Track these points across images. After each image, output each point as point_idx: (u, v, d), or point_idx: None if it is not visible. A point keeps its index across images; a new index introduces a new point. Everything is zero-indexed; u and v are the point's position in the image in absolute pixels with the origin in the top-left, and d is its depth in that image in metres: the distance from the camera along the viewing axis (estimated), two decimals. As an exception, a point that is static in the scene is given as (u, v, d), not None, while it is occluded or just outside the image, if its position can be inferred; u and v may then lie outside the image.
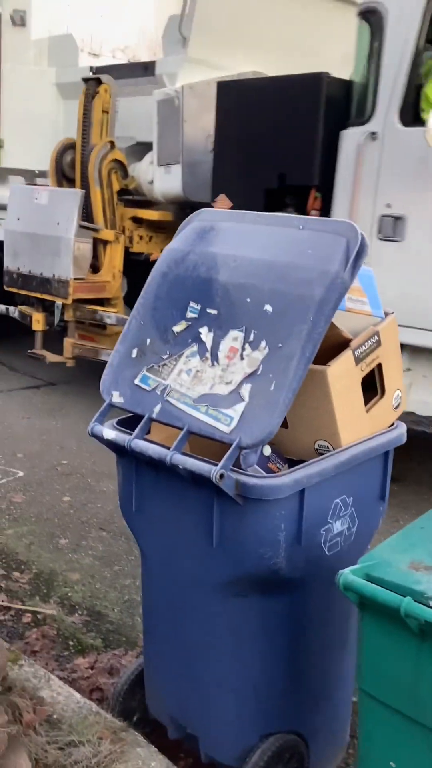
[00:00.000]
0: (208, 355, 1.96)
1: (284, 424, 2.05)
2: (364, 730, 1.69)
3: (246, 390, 1.86)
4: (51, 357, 5.86)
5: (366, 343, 2.11)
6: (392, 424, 2.26)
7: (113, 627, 3.10)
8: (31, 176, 6.51)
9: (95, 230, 5.59)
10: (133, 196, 5.85)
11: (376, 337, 2.15)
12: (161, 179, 5.43)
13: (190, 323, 2.03)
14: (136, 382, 2.05)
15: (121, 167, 5.68)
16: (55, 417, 5.77)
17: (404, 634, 1.53)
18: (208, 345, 1.97)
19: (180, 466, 1.87)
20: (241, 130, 4.76)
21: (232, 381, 1.89)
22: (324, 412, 2.04)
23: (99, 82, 5.56)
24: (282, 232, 2.05)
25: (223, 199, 4.76)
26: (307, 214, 4.40)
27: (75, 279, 5.41)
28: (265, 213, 2.19)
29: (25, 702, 2.29)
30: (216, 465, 1.81)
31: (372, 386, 2.22)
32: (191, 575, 2.04)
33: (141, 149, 5.79)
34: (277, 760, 2.07)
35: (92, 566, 3.56)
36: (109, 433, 2.04)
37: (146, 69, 5.87)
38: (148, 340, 2.09)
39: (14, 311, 6.31)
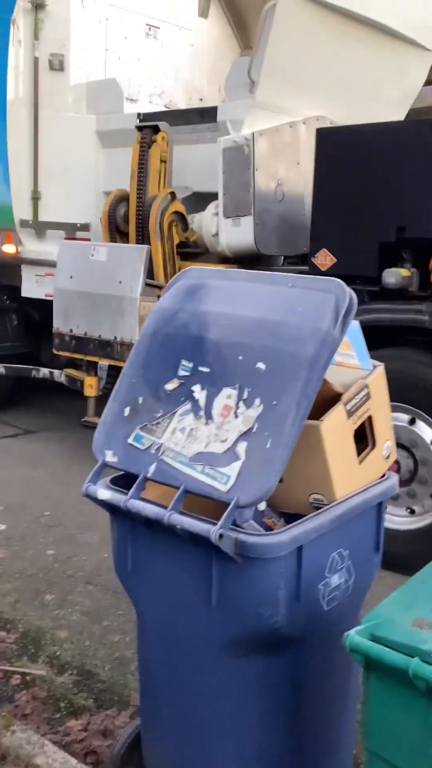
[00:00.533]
0: (202, 413, 1.97)
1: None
2: (373, 792, 1.67)
3: (242, 448, 1.86)
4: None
5: (356, 397, 2.14)
6: (383, 475, 2.28)
7: (105, 686, 3.04)
8: (71, 230, 6.07)
9: (160, 287, 5.10)
10: (191, 249, 5.47)
11: (366, 390, 2.17)
12: (229, 232, 5.04)
13: (182, 381, 2.04)
14: (130, 441, 2.05)
15: (182, 219, 5.30)
16: (36, 466, 5.72)
17: (412, 694, 1.52)
18: (202, 403, 1.98)
19: (178, 526, 1.86)
20: (347, 179, 4.38)
21: (227, 439, 1.89)
22: (318, 466, 2.05)
23: (156, 129, 5.23)
24: (272, 289, 2.08)
25: (324, 255, 4.38)
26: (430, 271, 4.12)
27: None
28: (253, 271, 2.23)
29: (21, 771, 2.23)
30: (213, 523, 1.81)
31: (363, 438, 2.24)
32: (190, 635, 2.01)
33: (197, 199, 5.46)
34: None
35: (80, 622, 3.50)
36: (104, 493, 2.03)
37: (203, 115, 5.50)
38: (141, 399, 2.09)
39: (60, 375, 5.93)
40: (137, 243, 5.25)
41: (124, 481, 2.08)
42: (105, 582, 3.84)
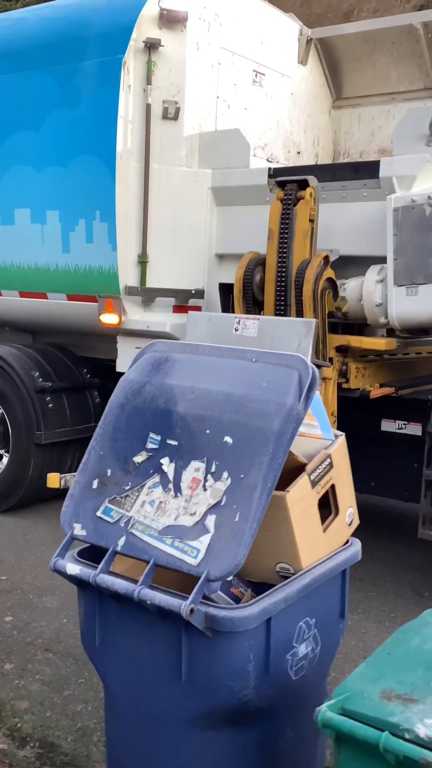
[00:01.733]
0: (170, 485, 2.01)
1: None
2: None
3: (211, 521, 1.90)
4: None
5: (320, 467, 2.20)
6: (347, 541, 2.33)
7: (68, 758, 2.97)
8: (183, 297, 5.30)
9: (326, 367, 4.35)
10: (339, 319, 4.75)
11: (329, 460, 2.24)
12: (401, 302, 4.34)
13: (150, 454, 2.08)
14: (99, 514, 2.07)
15: (333, 287, 4.55)
16: (-8, 529, 5.62)
17: (382, 766, 1.55)
18: (171, 476, 2.02)
19: (148, 602, 1.88)
20: None
21: (196, 512, 1.93)
22: (284, 535, 2.09)
23: (304, 185, 4.47)
24: (236, 364, 2.15)
25: None
26: None
27: None
28: (216, 345, 2.30)
29: None
30: (183, 597, 1.83)
31: (325, 505, 2.30)
32: (159, 710, 2.02)
33: (342, 264, 4.74)
34: None
35: (41, 692, 3.43)
36: (73, 568, 2.04)
37: (357, 170, 4.79)
38: (109, 471, 2.12)
39: None
40: (278, 314, 4.51)
41: (92, 552, 2.09)
42: (65, 649, 3.77)
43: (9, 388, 5.80)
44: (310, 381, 2.00)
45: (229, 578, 2.15)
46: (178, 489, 1.99)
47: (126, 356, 5.41)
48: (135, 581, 1.93)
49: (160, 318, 5.22)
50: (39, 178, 5.46)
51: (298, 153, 6.16)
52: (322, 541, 2.21)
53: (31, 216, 5.57)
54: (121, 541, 1.99)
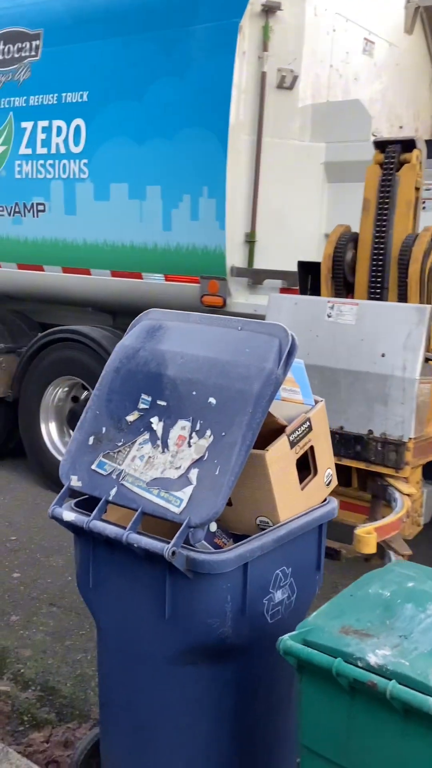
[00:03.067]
0: (159, 442, 2.18)
1: (228, 503, 2.24)
2: (306, 783, 1.87)
3: (194, 474, 2.07)
4: (351, 551, 3.56)
5: (299, 429, 2.37)
6: (325, 500, 2.50)
7: (66, 701, 3.20)
8: (293, 279, 4.67)
9: None
10: None
11: (308, 423, 2.41)
12: None
13: (142, 413, 2.26)
14: (93, 467, 2.25)
15: None
16: (3, 492, 5.85)
17: (337, 691, 1.73)
18: (159, 433, 2.19)
19: (135, 545, 2.06)
20: None
21: (181, 466, 2.10)
22: (264, 491, 2.27)
23: (409, 146, 3.86)
24: (223, 332, 2.31)
25: None
26: None
27: (415, 439, 3.54)
28: (207, 314, 2.46)
29: (-15, 776, 2.39)
30: (168, 543, 2.01)
31: (305, 466, 2.47)
32: (144, 647, 2.20)
33: None
34: None
35: (44, 642, 3.66)
36: (69, 515, 2.22)
37: None
38: (104, 429, 2.30)
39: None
40: (372, 298, 3.94)
41: (87, 504, 2.27)
42: (68, 604, 4.00)
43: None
44: (289, 347, 2.16)
45: (213, 530, 2.35)
46: (165, 445, 2.17)
47: None
48: (124, 528, 2.11)
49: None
50: (139, 151, 5.16)
51: (401, 127, 5.87)
52: (299, 498, 2.38)
53: (129, 191, 5.27)
54: (113, 492, 2.17)
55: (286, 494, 2.31)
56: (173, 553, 1.98)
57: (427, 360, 3.53)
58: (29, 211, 5.88)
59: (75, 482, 2.26)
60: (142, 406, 2.27)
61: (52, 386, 5.90)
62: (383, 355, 3.56)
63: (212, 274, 4.99)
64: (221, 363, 2.20)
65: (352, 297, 4.00)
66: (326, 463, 2.52)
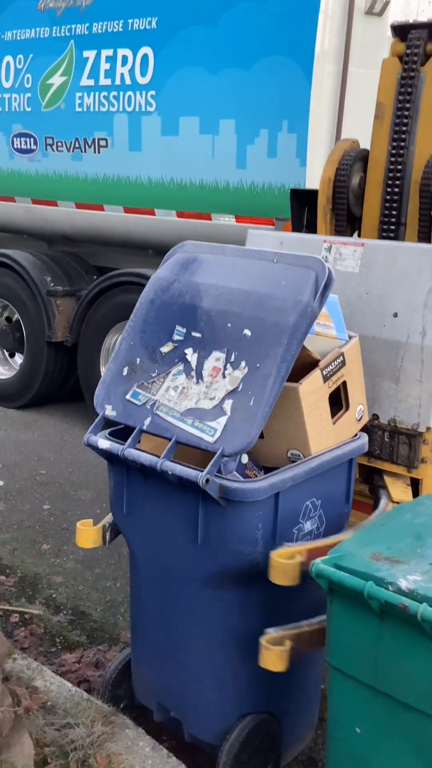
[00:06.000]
0: (193, 373, 2.21)
1: (260, 435, 2.28)
2: (333, 701, 1.94)
3: (228, 405, 2.10)
4: None
5: (332, 363, 2.37)
6: (355, 435, 2.53)
7: (97, 625, 3.31)
8: None
9: None
10: None
11: (342, 358, 2.41)
12: None
13: (176, 345, 2.28)
14: (128, 397, 2.28)
15: None
16: (32, 429, 5.95)
17: (367, 614, 1.78)
18: (193, 364, 2.21)
19: (169, 473, 2.10)
20: None
21: (215, 397, 2.13)
22: (296, 424, 2.29)
23: None
24: (258, 264, 2.30)
25: None
26: None
27: None
28: (243, 247, 2.44)
29: (22, 690, 2.49)
30: (201, 471, 2.05)
31: (338, 401, 2.48)
32: (177, 571, 2.27)
33: None
34: (254, 737, 2.30)
35: (74, 569, 3.76)
36: (104, 443, 2.27)
37: None
38: (138, 360, 2.32)
39: None
40: (384, 237, 3.09)
41: (121, 434, 2.31)
42: (98, 535, 4.09)
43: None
44: (326, 280, 2.15)
45: (245, 462, 2.39)
46: (200, 376, 2.19)
47: None
48: (158, 456, 2.15)
49: None
50: (212, 81, 4.81)
51: None
52: (330, 432, 2.40)
53: (200, 126, 4.93)
54: (147, 421, 2.21)
55: (318, 428, 2.33)
56: (207, 480, 2.02)
57: None
58: (90, 147, 5.60)
59: (109, 411, 2.30)
60: (176, 337, 2.29)
61: (114, 331, 5.74)
62: (396, 315, 2.70)
63: (289, 215, 4.72)
64: (257, 295, 2.20)
65: (359, 236, 3.21)
66: (358, 398, 2.53)
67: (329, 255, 2.87)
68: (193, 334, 2.26)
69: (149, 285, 2.44)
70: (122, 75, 5.28)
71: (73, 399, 6.49)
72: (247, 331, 2.16)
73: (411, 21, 3.18)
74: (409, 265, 2.68)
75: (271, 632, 2.11)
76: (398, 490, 2.72)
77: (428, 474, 2.71)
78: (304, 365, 2.31)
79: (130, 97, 5.26)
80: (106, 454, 2.30)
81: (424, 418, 2.64)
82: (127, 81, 5.25)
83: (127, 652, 2.65)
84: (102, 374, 5.75)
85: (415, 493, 2.76)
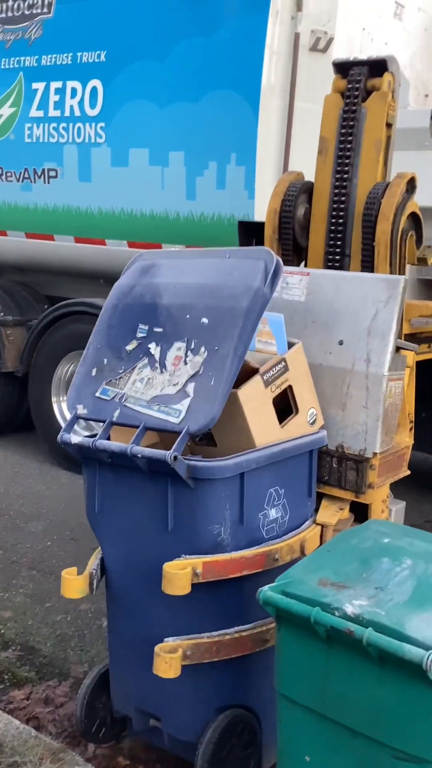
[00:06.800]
0: (157, 365, 2.32)
1: (213, 444, 2.44)
2: (282, 730, 1.93)
3: (191, 387, 2.21)
4: None
5: (273, 369, 2.45)
6: (316, 431, 2.59)
7: (46, 660, 3.24)
8: None
9: (412, 351, 2.85)
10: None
11: (283, 363, 2.49)
12: None
13: (140, 341, 2.39)
14: (97, 394, 2.38)
15: (417, 227, 3.11)
16: (-19, 462, 5.85)
17: (314, 640, 1.78)
18: (157, 357, 2.33)
19: (139, 455, 2.17)
20: None
21: (178, 382, 2.24)
22: (240, 429, 2.36)
23: (379, 68, 3.03)
24: (212, 261, 2.46)
25: None
26: None
27: (381, 454, 2.71)
28: (197, 249, 2.62)
29: (-33, 729, 2.42)
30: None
31: (288, 408, 2.54)
32: (149, 561, 2.29)
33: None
34: (231, 733, 2.31)
35: (24, 604, 3.69)
36: (76, 438, 2.34)
37: None
38: (105, 360, 2.43)
39: None
40: (329, 267, 3.11)
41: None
42: (48, 568, 4.03)
43: None
44: (274, 267, 2.30)
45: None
46: (163, 366, 2.30)
47: None
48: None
49: None
50: (162, 114, 4.90)
51: (426, 96, 5.68)
52: (280, 436, 2.44)
53: (150, 157, 5.00)
54: (116, 413, 2.29)
55: (264, 431, 2.39)
56: (175, 458, 2.09)
57: (398, 350, 2.71)
58: (39, 177, 5.62)
59: (81, 410, 2.38)
60: (140, 335, 2.40)
61: (65, 361, 5.73)
62: (341, 343, 2.73)
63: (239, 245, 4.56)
64: (212, 287, 2.35)
65: (305, 266, 3.19)
66: (308, 402, 2.59)
67: (286, 285, 2.91)
68: (155, 329, 2.38)
69: (112, 292, 2.57)
70: (71, 107, 5.34)
71: (24, 430, 6.39)
72: (204, 320, 2.28)
73: (352, 58, 3.23)
74: (354, 294, 2.74)
75: (169, 641, 2.18)
76: (327, 514, 2.70)
77: (375, 499, 2.73)
78: (246, 375, 2.38)
79: (79, 128, 5.33)
80: (79, 450, 2.36)
81: (371, 444, 2.68)
82: (77, 113, 5.32)
83: (102, 665, 2.62)
84: (53, 405, 5.82)
85: (365, 517, 2.78)
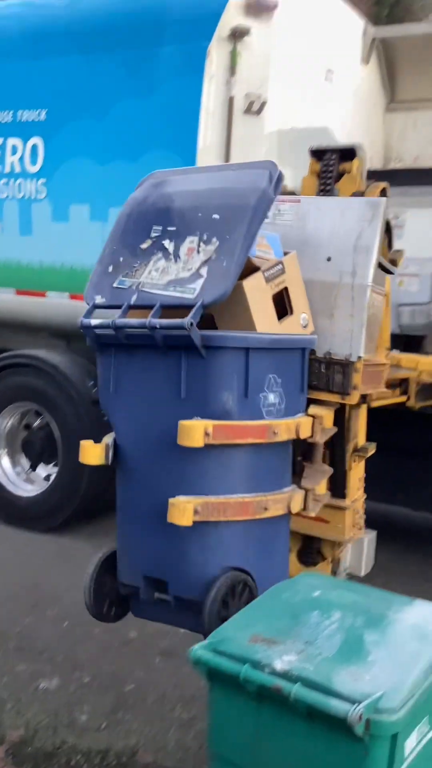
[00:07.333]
0: (171, 256, 2.58)
1: None
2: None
3: (204, 270, 2.48)
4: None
5: (273, 268, 2.75)
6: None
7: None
8: None
9: (393, 273, 3.39)
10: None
11: (281, 266, 2.79)
12: None
13: (154, 240, 2.65)
14: (115, 285, 2.63)
15: (388, 232, 3.53)
16: None
17: (246, 698, 1.82)
18: (171, 250, 2.59)
19: (157, 326, 2.42)
20: None
21: (192, 268, 2.50)
22: (245, 317, 2.62)
23: (349, 155, 3.44)
24: (221, 173, 2.79)
25: None
26: None
27: (365, 360, 3.10)
28: (205, 166, 3.00)
29: None
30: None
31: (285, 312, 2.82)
32: (163, 430, 2.53)
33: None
34: (233, 591, 2.52)
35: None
36: (95, 321, 2.58)
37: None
38: (121, 258, 2.69)
39: None
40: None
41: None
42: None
43: (63, 399, 5.24)
44: (278, 174, 2.62)
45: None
46: (177, 257, 2.56)
47: None
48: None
49: None
50: (101, 172, 5.04)
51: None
52: (278, 330, 2.73)
53: (91, 213, 5.12)
54: (134, 298, 2.55)
55: (264, 322, 2.66)
56: (191, 324, 2.34)
57: (380, 266, 3.11)
58: None
59: (99, 300, 2.63)
60: (154, 234, 2.66)
61: (6, 413, 5.59)
62: (329, 259, 3.08)
63: None
64: (221, 190, 2.64)
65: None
66: (301, 307, 2.89)
67: (282, 211, 3.27)
68: (169, 228, 2.64)
69: (126, 204, 2.85)
70: (12, 163, 5.45)
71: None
72: (216, 216, 2.56)
73: (325, 145, 3.63)
74: (340, 216, 3.12)
75: (181, 498, 2.46)
76: (317, 409, 2.97)
77: (355, 399, 3.06)
78: (249, 273, 2.65)
79: (20, 184, 5.43)
80: (97, 338, 2.62)
81: (356, 348, 3.02)
82: (17, 169, 5.43)
83: (100, 553, 2.82)
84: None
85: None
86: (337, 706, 1.69)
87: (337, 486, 3.16)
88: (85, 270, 4.96)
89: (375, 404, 3.33)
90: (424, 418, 4.11)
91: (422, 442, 4.41)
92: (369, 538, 3.46)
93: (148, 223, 2.67)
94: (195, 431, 2.37)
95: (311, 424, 2.81)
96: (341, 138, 5.28)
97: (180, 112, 4.70)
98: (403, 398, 3.78)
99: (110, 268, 2.66)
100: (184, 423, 2.38)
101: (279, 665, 1.80)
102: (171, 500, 2.40)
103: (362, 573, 3.56)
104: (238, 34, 4.67)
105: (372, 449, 3.32)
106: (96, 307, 2.60)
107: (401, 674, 1.78)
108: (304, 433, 2.75)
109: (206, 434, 2.39)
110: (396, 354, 3.78)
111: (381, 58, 5.95)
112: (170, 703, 3.09)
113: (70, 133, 5.15)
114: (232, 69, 4.72)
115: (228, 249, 2.45)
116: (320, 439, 2.89)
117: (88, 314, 2.59)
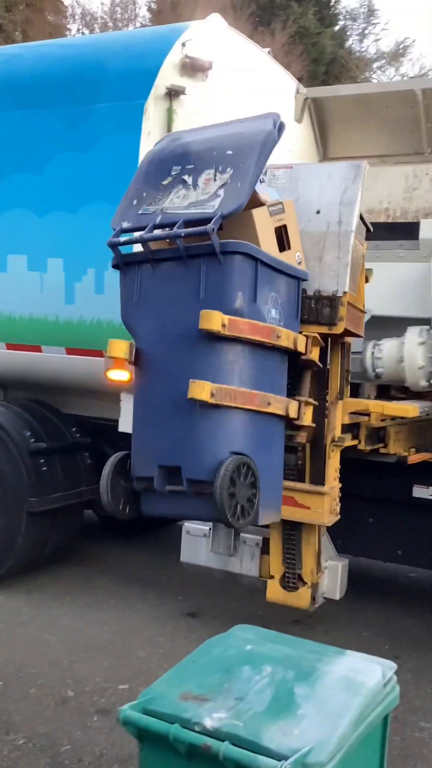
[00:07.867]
0: (191, 186, 3.02)
1: None
2: None
3: (221, 191, 2.92)
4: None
5: (275, 206, 3.26)
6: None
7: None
8: None
9: (370, 230, 3.92)
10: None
11: (281, 205, 3.30)
12: None
13: (174, 176, 3.09)
14: (139, 212, 3.05)
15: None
16: None
17: (176, 757, 1.80)
18: (190, 182, 3.04)
19: (182, 233, 2.85)
20: None
21: (210, 192, 2.94)
22: (254, 242, 3.03)
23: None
24: (230, 125, 3.27)
25: None
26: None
27: (349, 296, 3.63)
28: (218, 124, 3.38)
29: None
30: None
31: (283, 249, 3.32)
32: (182, 328, 2.93)
33: (377, 325, 4.44)
34: (240, 471, 2.86)
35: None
36: (124, 237, 3.03)
37: (394, 230, 4.75)
38: (144, 194, 3.13)
39: None
40: None
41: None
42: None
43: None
44: (281, 122, 3.12)
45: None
46: (196, 186, 3.00)
47: (131, 416, 4.04)
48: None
49: None
50: (40, 223, 5.07)
51: (318, 212, 5.91)
52: (279, 257, 3.21)
53: (29, 263, 5.15)
54: (158, 219, 2.96)
55: (269, 248, 3.10)
56: (213, 229, 2.77)
57: (361, 218, 3.69)
58: None
59: (126, 224, 3.05)
60: (173, 173, 3.11)
61: None
62: (318, 212, 3.66)
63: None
64: (232, 134, 3.13)
65: None
66: (296, 245, 3.38)
67: (265, 177, 3.73)
68: (187, 167, 3.09)
69: (145, 156, 3.33)
70: None
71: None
72: (229, 151, 3.03)
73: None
74: (328, 176, 3.72)
75: (198, 381, 2.80)
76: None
77: (340, 329, 3.54)
78: (255, 207, 3.14)
79: None
80: (122, 257, 3.09)
81: (341, 284, 3.56)
82: None
83: (114, 457, 3.16)
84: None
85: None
86: (265, 763, 1.70)
87: (317, 474, 3.66)
88: (24, 319, 5.22)
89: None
90: (379, 466, 4.39)
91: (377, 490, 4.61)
92: (343, 564, 3.89)
93: (168, 165, 3.13)
94: (215, 317, 2.77)
95: (305, 341, 3.31)
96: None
97: (117, 167, 4.74)
98: (354, 442, 4.03)
99: (135, 202, 3.09)
100: (205, 310, 2.78)
101: (209, 723, 1.80)
102: (191, 380, 2.75)
103: (337, 597, 3.90)
104: (174, 93, 4.81)
105: (348, 441, 3.80)
106: (123, 231, 3.02)
107: (330, 727, 1.80)
108: (300, 347, 3.24)
109: (223, 325, 2.78)
110: (350, 400, 4.00)
111: (313, 117, 6.17)
112: (107, 764, 3.05)
113: (7, 185, 5.20)
114: (169, 126, 4.85)
115: (241, 174, 2.91)
116: (314, 356, 3.39)
117: (116, 236, 3.01)
